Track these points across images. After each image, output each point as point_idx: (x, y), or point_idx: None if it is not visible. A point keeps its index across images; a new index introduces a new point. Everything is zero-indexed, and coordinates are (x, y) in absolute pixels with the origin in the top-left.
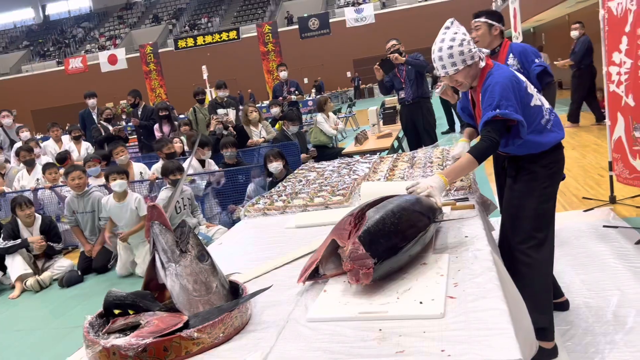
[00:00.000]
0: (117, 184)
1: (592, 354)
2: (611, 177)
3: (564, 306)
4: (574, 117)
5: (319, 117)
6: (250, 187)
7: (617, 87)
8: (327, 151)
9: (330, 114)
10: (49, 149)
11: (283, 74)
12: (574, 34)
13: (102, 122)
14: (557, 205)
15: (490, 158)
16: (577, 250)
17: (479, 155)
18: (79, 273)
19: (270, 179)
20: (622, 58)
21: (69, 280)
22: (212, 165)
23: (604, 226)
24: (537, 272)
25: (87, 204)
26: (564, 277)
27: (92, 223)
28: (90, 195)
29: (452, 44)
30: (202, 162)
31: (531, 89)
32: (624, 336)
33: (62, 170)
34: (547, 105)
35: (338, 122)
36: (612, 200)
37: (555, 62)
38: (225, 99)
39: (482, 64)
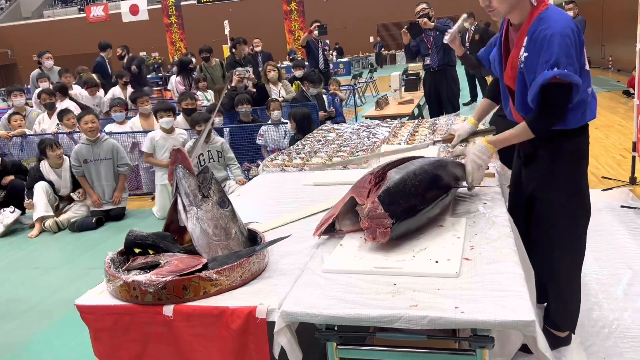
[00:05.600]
0: (165, 121)
1: (600, 328)
2: (634, 157)
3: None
4: None
5: None
6: None
7: None
8: None
9: None
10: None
11: (317, 34)
12: (569, 14)
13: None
14: None
15: None
16: (592, 227)
17: (539, 130)
18: (93, 221)
19: (293, 135)
20: None
21: (80, 226)
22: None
23: (622, 206)
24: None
25: (101, 150)
26: None
27: (108, 170)
28: (104, 142)
29: None
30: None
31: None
32: (632, 313)
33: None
34: None
35: None
36: (632, 181)
37: None
38: (244, 56)
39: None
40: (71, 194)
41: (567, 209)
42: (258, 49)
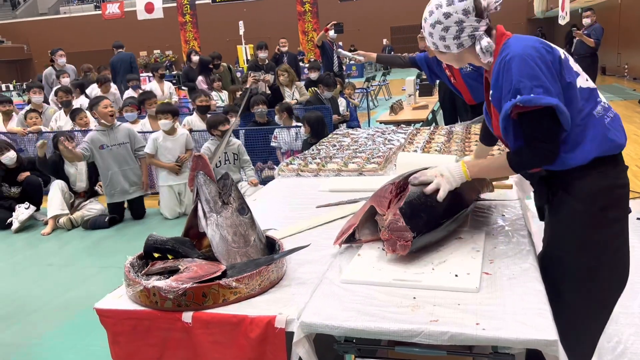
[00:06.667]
0: (161, 123)
1: (616, 344)
2: None
3: None
4: None
5: None
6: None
7: None
8: None
9: None
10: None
11: (332, 34)
12: (587, 21)
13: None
14: None
15: None
16: None
17: (517, 165)
18: (106, 219)
19: (306, 138)
20: None
21: (93, 224)
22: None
23: (638, 219)
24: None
25: (119, 135)
26: None
27: (128, 154)
28: (119, 127)
29: (434, 21)
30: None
31: (576, 66)
32: None
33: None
34: (602, 99)
35: None
36: None
37: (576, 32)
38: (267, 62)
39: (488, 40)
40: (95, 188)
41: (591, 272)
42: (284, 49)
